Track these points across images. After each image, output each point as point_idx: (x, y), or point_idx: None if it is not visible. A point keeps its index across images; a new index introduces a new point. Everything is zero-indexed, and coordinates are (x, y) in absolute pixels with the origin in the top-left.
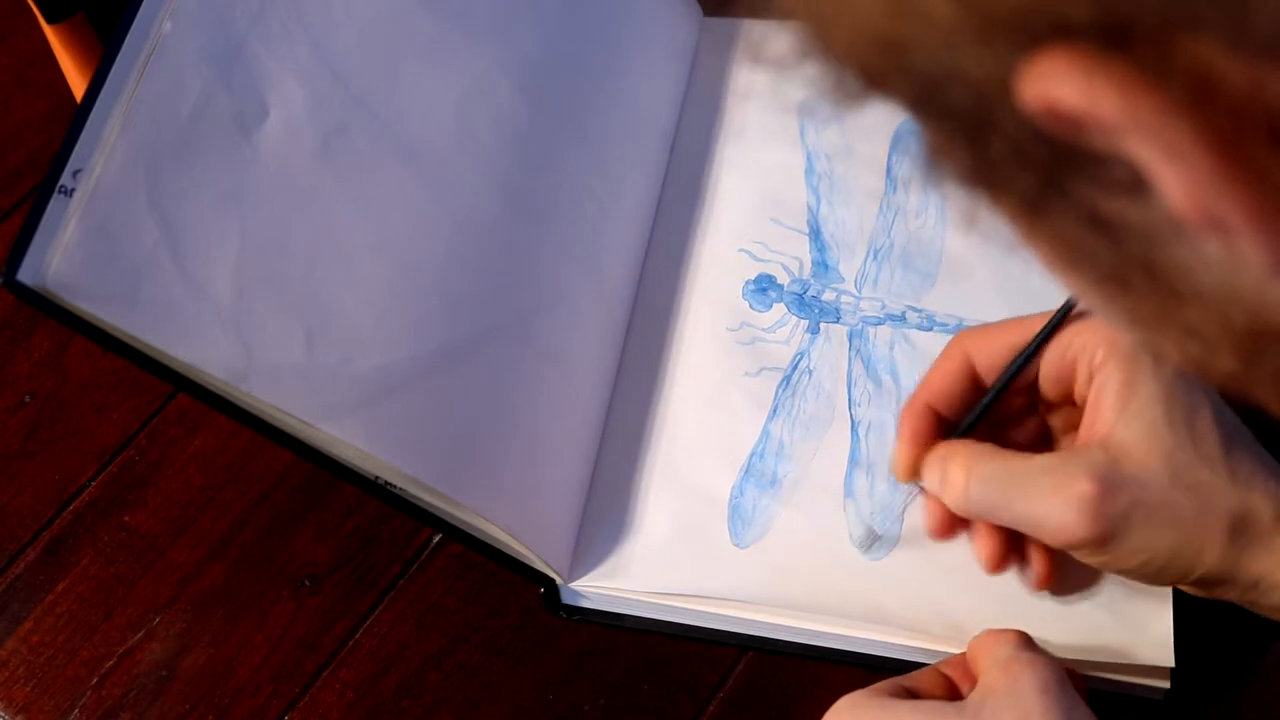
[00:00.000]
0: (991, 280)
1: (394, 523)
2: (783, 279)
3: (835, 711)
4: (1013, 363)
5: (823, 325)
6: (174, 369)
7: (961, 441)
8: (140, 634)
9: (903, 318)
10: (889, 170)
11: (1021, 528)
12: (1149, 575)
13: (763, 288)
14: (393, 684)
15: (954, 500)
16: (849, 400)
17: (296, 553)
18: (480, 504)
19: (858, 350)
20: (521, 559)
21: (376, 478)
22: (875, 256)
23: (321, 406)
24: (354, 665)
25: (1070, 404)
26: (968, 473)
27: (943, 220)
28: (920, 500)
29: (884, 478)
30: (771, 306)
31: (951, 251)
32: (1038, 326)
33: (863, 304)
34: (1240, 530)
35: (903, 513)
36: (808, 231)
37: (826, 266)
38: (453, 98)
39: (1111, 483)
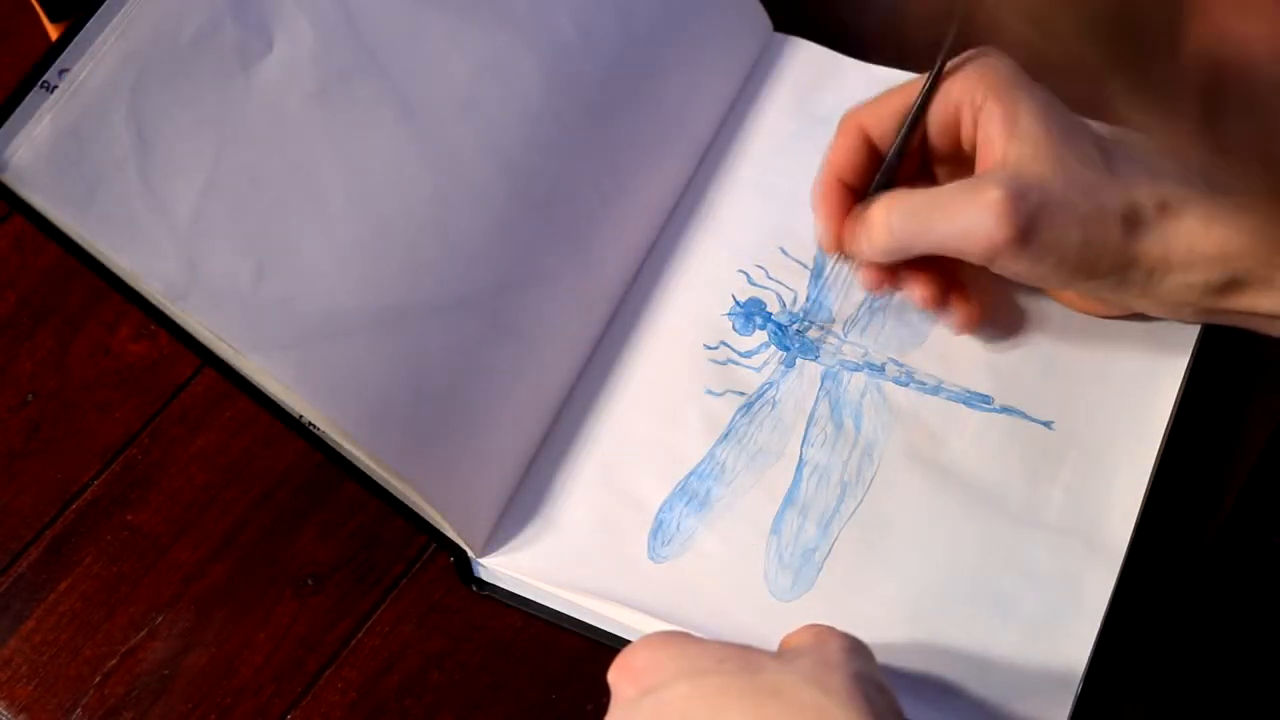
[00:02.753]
0: (981, 353)
1: (396, 522)
2: (773, 307)
3: (645, 641)
4: (906, 119)
5: (799, 361)
6: (115, 274)
7: (877, 196)
8: (143, 633)
9: (882, 369)
10: None
11: (945, 249)
12: (1064, 274)
13: (750, 313)
14: (395, 683)
15: (879, 239)
16: (804, 438)
17: (299, 552)
18: (399, 462)
19: (828, 391)
20: (434, 524)
21: (300, 416)
22: (870, 305)
23: (255, 337)
24: (356, 664)
25: (959, 157)
26: (888, 210)
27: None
28: (839, 545)
29: (814, 521)
30: (753, 332)
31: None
32: (916, 86)
33: (845, 348)
34: (1132, 222)
35: (822, 560)
36: (811, 267)
37: (820, 305)
38: (468, 66)
39: (1019, 186)
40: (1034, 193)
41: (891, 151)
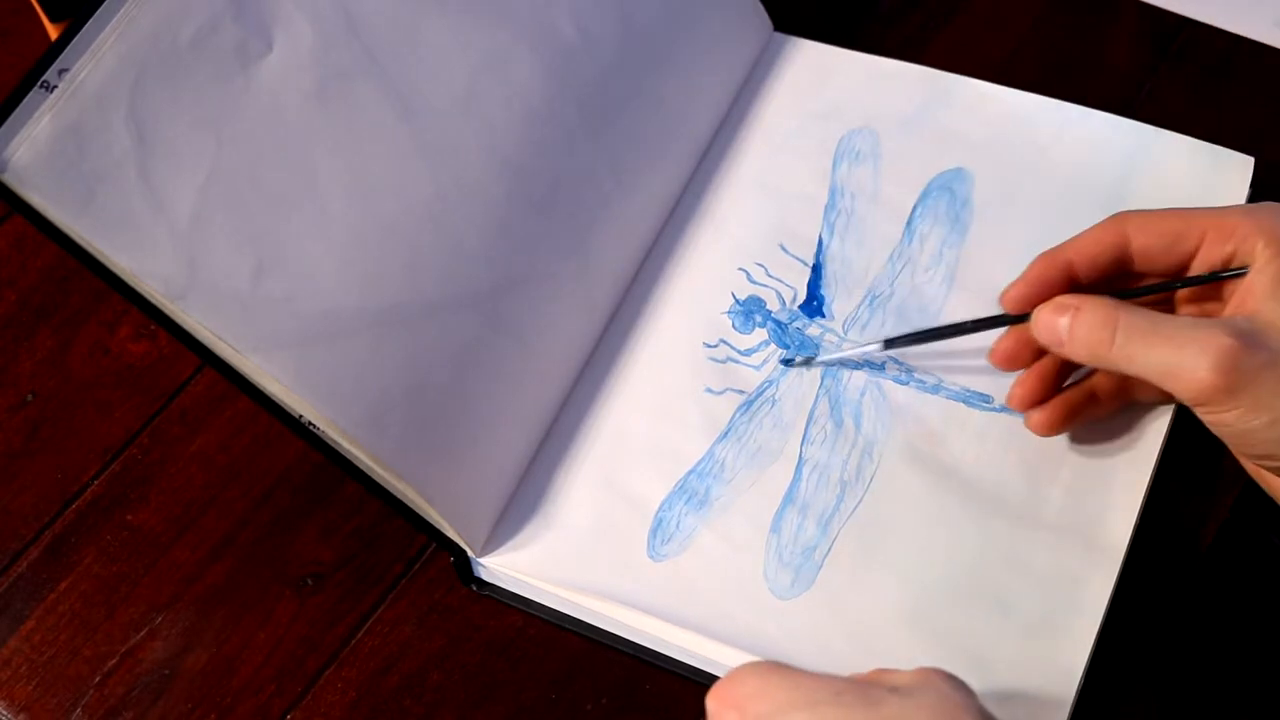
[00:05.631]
0: (982, 352)
1: (396, 522)
2: (773, 305)
3: (750, 669)
4: (1196, 276)
5: (798, 358)
6: (115, 273)
7: (1098, 295)
8: (143, 633)
9: (882, 368)
10: (910, 221)
11: (1153, 377)
12: (1273, 440)
13: (749, 310)
14: (395, 683)
15: (1094, 343)
16: (804, 436)
17: (299, 552)
18: (399, 462)
19: (828, 390)
20: (434, 524)
21: (300, 416)
22: (871, 303)
23: (255, 337)
24: (356, 664)
25: (1208, 292)
26: (1115, 321)
27: (950, 282)
28: (839, 544)
29: (814, 520)
30: (753, 330)
31: (951, 314)
32: (1199, 219)
33: (845, 346)
34: None
35: (822, 559)
36: (811, 264)
37: (820, 301)
38: (468, 65)
39: (1251, 340)
40: (1266, 351)
41: (1166, 285)
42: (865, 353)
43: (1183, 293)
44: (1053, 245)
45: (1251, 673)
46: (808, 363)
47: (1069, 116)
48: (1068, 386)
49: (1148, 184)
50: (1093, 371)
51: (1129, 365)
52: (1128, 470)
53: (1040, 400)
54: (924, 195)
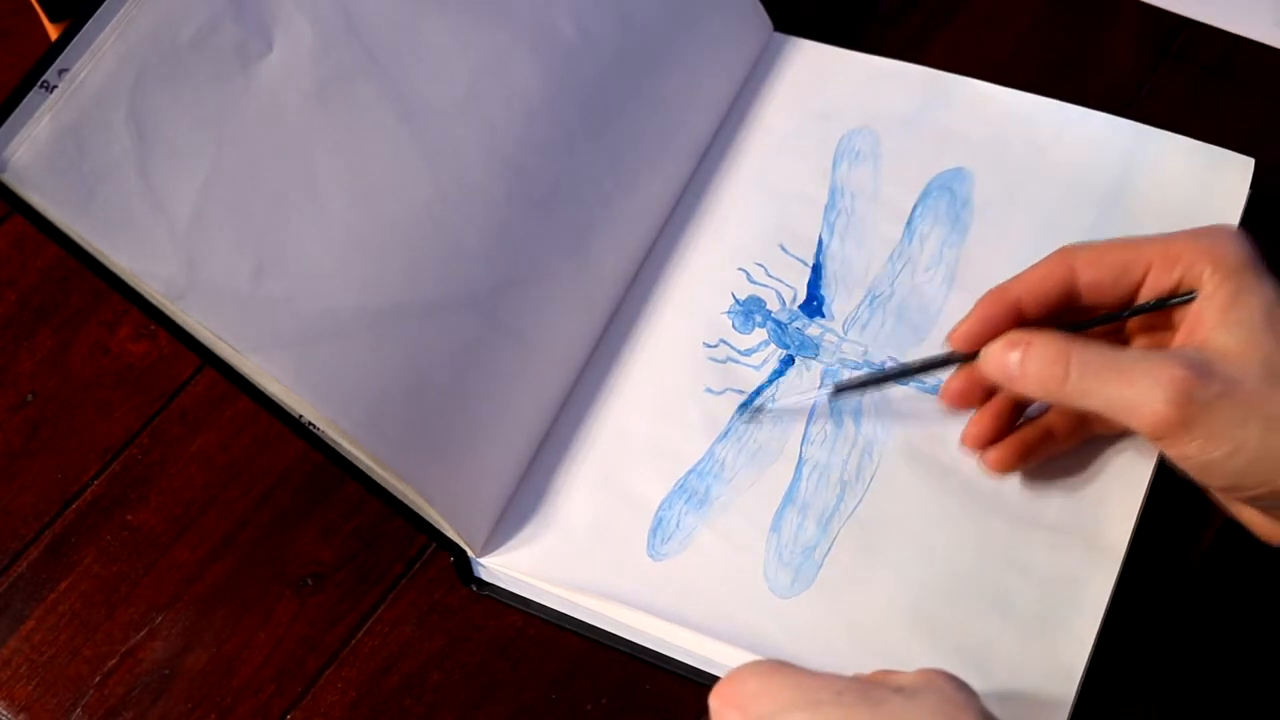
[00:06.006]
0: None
1: (396, 522)
2: (773, 305)
3: (752, 668)
4: (1143, 305)
5: (798, 359)
6: (115, 273)
7: (1048, 330)
8: (143, 633)
9: (882, 367)
10: (910, 221)
11: (1109, 413)
12: (1235, 472)
13: (749, 310)
14: (395, 683)
15: (1047, 379)
16: (804, 436)
17: (299, 552)
18: (399, 462)
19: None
20: (434, 524)
21: (300, 416)
22: (871, 302)
23: (255, 337)
24: (356, 664)
25: (1157, 321)
26: (1067, 356)
27: (950, 282)
28: (839, 543)
29: (814, 519)
30: (753, 330)
31: (951, 314)
32: (1145, 249)
33: (845, 346)
34: None
35: (822, 558)
36: (811, 264)
37: (820, 302)
38: (468, 66)
39: (1204, 371)
40: (1220, 381)
41: (1110, 315)
42: (814, 399)
43: (1134, 323)
44: (1053, 245)
45: (1251, 673)
46: (759, 410)
47: (1069, 116)
48: (1022, 424)
49: (1147, 184)
50: (1047, 410)
51: (1083, 400)
52: (1128, 470)
53: (995, 439)
54: (924, 195)
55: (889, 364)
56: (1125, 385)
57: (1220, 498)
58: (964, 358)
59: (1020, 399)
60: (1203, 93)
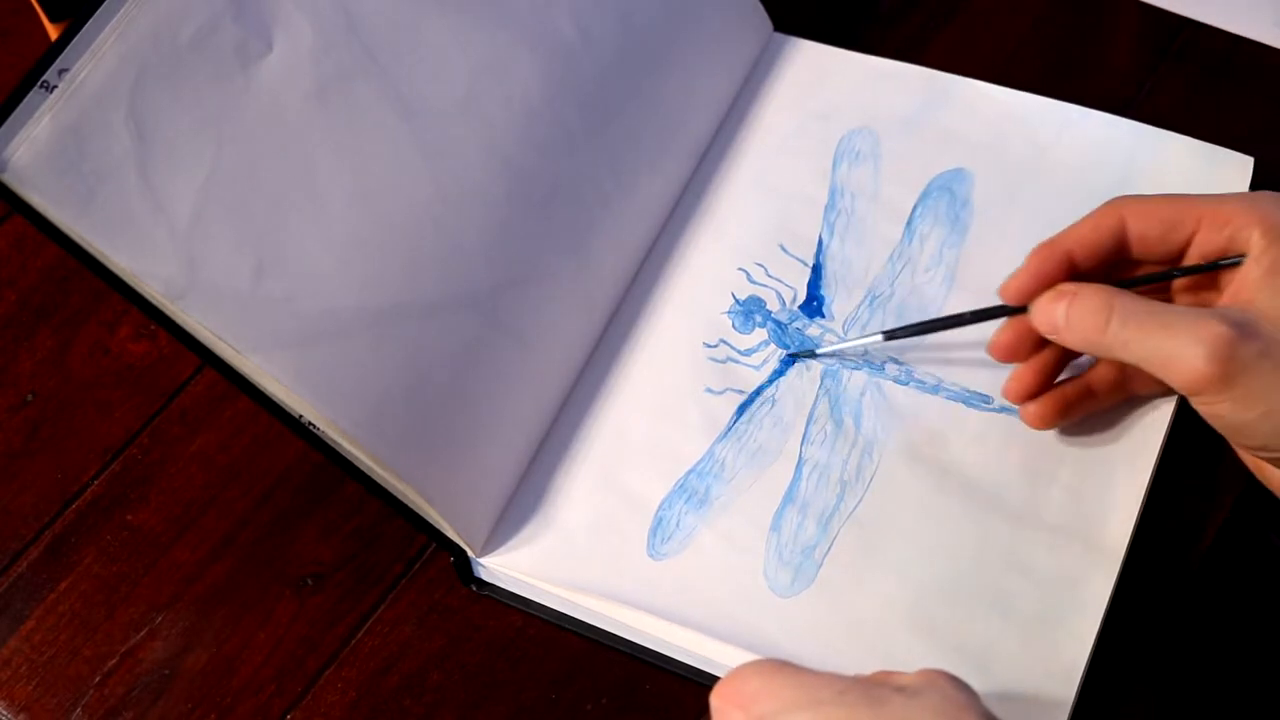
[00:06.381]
0: (981, 353)
1: (396, 522)
2: (773, 305)
3: (754, 667)
4: (1192, 266)
5: (798, 359)
6: (115, 273)
7: (1095, 284)
8: (143, 633)
9: (882, 368)
10: (910, 221)
11: (1149, 366)
12: (1268, 433)
13: (749, 310)
14: (395, 683)
15: (1089, 329)
16: (804, 436)
17: (299, 552)
18: (399, 462)
19: (828, 390)
20: (434, 524)
21: (300, 416)
22: (871, 303)
23: (255, 337)
24: (356, 664)
25: (1204, 281)
26: (1110, 306)
27: (950, 283)
28: (839, 543)
29: (814, 519)
30: (753, 330)
31: (950, 314)
32: (1196, 206)
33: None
34: None
35: (822, 558)
36: (811, 264)
37: (820, 302)
38: (468, 66)
39: (1246, 330)
40: (1261, 340)
41: (1165, 273)
42: (867, 344)
43: (1179, 282)
44: None
45: (1251, 673)
46: (812, 354)
47: (1069, 116)
48: (1064, 381)
49: (1147, 184)
50: (1091, 366)
51: (1124, 351)
52: (1128, 470)
53: (1035, 393)
54: (924, 195)
55: (889, 365)
56: (1166, 338)
57: (1247, 457)
58: (1014, 310)
59: (1064, 355)
60: (1202, 92)
